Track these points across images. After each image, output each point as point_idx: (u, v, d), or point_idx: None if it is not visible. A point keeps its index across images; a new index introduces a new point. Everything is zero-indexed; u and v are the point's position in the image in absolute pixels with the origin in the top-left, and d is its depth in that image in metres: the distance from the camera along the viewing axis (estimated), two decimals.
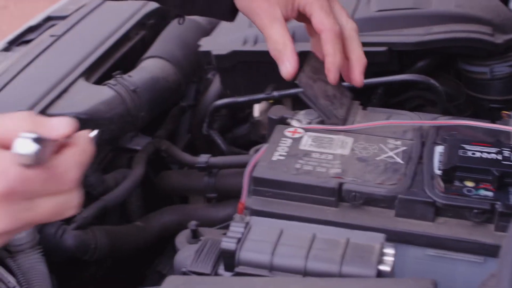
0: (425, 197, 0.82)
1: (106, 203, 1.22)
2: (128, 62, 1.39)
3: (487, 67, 1.16)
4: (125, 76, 1.27)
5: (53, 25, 1.56)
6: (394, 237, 0.80)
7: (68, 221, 1.21)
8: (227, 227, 1.25)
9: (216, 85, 1.44)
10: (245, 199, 0.99)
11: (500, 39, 1.14)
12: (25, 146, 0.57)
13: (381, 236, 0.76)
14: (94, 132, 0.68)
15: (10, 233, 0.62)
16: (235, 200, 1.32)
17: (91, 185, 1.25)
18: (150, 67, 1.33)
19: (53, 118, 0.63)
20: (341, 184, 0.84)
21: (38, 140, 0.57)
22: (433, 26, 1.15)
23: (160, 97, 1.32)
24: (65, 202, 0.64)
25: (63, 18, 1.56)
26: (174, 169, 1.48)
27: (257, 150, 1.41)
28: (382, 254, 0.74)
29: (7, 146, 0.60)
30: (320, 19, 0.92)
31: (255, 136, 1.49)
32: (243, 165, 1.28)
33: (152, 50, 1.38)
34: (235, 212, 1.31)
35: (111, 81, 1.26)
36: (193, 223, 1.13)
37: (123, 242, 1.27)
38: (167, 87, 1.34)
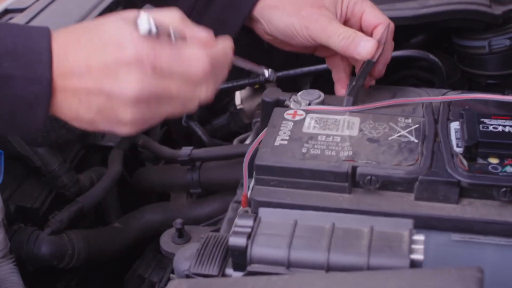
0: (448, 177, 0.74)
1: (82, 205, 1.12)
2: None
3: (485, 41, 1.10)
4: None
5: (11, 18, 1.44)
6: (416, 223, 0.72)
7: (41, 226, 1.11)
8: (214, 224, 1.17)
9: None
10: (247, 190, 0.91)
11: (498, 10, 1.08)
12: (144, 18, 0.69)
13: (408, 222, 0.67)
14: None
15: (141, 105, 0.69)
16: (221, 195, 1.24)
17: (65, 186, 1.14)
18: None
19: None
20: (354, 168, 0.76)
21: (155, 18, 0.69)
22: None
23: None
24: (193, 90, 0.72)
25: (22, 10, 1.45)
26: (148, 165, 1.39)
27: (241, 141, 1.33)
28: (411, 241, 0.66)
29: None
30: (374, 14, 0.93)
31: (235, 126, 1.41)
32: (229, 157, 1.21)
33: None
34: (221, 207, 1.24)
35: None
36: (178, 222, 1.04)
37: (101, 246, 1.17)
38: None
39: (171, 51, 0.70)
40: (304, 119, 0.85)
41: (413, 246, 0.65)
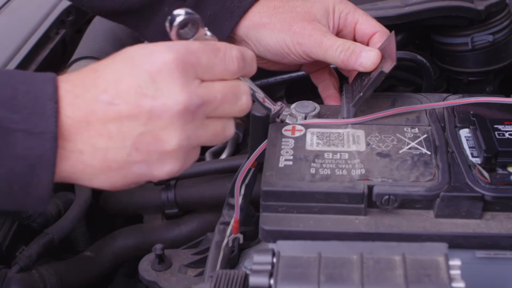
0: (471, 191, 0.69)
1: (52, 237, 1.02)
2: (52, 67, 1.19)
3: (467, 38, 1.07)
4: None
5: None
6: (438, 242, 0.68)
7: (5, 262, 1.01)
8: (195, 246, 1.10)
9: None
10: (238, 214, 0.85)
11: (481, 5, 1.04)
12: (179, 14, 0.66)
13: (441, 246, 0.63)
14: None
15: (188, 119, 0.61)
16: (198, 214, 1.17)
17: (30, 217, 1.04)
18: None
19: None
20: (370, 187, 0.70)
21: (190, 13, 0.66)
22: None
23: None
24: (237, 86, 0.66)
25: None
26: None
27: (214, 153, 1.25)
28: (449, 267, 0.61)
29: None
30: (369, 23, 0.89)
31: None
32: (206, 173, 1.13)
33: (81, 50, 1.18)
34: (200, 227, 1.16)
35: None
36: (158, 247, 0.97)
37: (74, 279, 1.08)
38: None
39: (207, 47, 0.64)
40: (304, 135, 0.79)
41: (452, 272, 0.60)
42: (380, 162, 0.74)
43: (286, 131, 0.79)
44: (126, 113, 0.59)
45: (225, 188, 1.09)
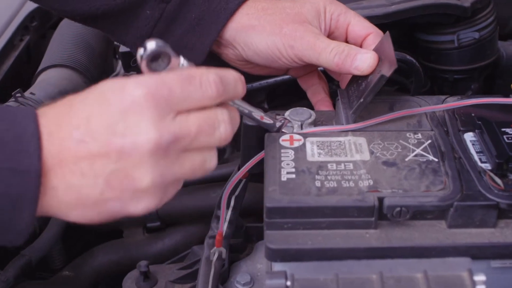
0: (485, 200, 0.66)
1: (29, 259, 0.96)
2: (18, 76, 1.13)
3: (453, 35, 1.04)
4: (27, 94, 1.00)
5: None
6: (453, 254, 0.65)
7: None
8: (180, 260, 1.05)
9: None
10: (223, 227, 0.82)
11: (467, 2, 1.02)
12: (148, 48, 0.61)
13: (465, 261, 0.60)
14: None
15: (160, 156, 0.59)
16: (181, 226, 1.12)
17: None
18: (54, 79, 1.07)
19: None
20: (380, 200, 0.66)
21: (161, 46, 0.61)
22: None
23: None
24: (213, 116, 0.62)
25: None
26: None
27: None
28: (474, 283, 0.58)
29: None
30: (361, 24, 0.85)
31: None
32: (189, 184, 1.08)
33: (50, 58, 1.12)
34: (184, 240, 1.11)
35: (10, 103, 0.99)
36: (143, 263, 0.92)
37: None
38: None
39: (180, 76, 0.61)
40: (304, 145, 0.74)
41: None
42: (387, 172, 0.70)
43: (284, 141, 0.75)
44: (97, 151, 0.58)
45: (209, 199, 1.04)
